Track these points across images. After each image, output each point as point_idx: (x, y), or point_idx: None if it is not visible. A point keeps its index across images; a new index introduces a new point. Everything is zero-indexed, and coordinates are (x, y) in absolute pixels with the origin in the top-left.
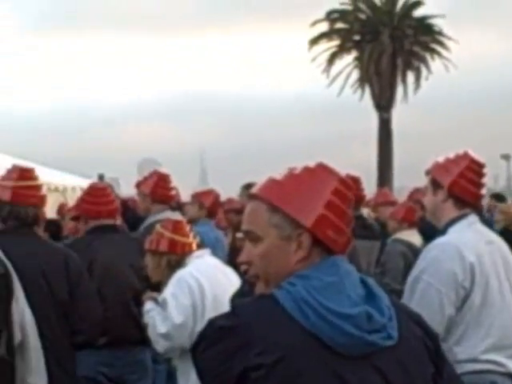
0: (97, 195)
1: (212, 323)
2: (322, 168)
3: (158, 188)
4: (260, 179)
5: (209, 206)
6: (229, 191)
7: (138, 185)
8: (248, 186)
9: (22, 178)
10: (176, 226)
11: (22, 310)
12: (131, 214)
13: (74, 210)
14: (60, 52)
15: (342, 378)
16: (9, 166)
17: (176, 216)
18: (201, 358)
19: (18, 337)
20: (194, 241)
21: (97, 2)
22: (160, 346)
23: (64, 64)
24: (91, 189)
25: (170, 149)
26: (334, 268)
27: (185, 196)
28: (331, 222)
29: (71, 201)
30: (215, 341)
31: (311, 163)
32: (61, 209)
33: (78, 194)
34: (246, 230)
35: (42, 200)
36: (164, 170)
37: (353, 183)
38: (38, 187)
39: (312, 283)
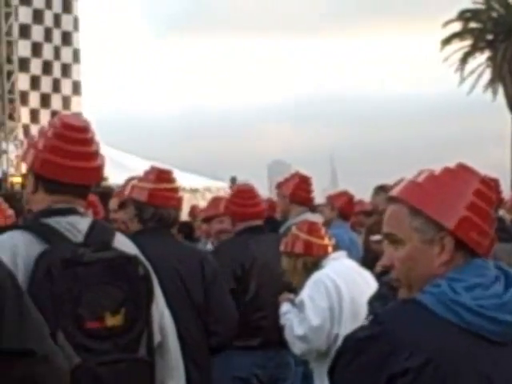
0: (244, 197)
1: (351, 337)
2: (464, 169)
3: (297, 190)
4: (390, 180)
5: (340, 207)
6: (359, 192)
7: (279, 186)
8: (381, 188)
9: (160, 180)
10: (311, 228)
11: (161, 312)
12: (269, 218)
13: (205, 211)
14: (189, 55)
15: (489, 380)
16: (145, 168)
17: (316, 218)
18: (343, 374)
19: (157, 338)
20: (329, 243)
21: (225, 4)
22: (297, 347)
23: (194, 67)
24: (239, 191)
25: (300, 150)
26: (480, 270)
27: (315, 198)
28: (475, 224)
29: (202, 203)
30: (358, 353)
31: (451, 164)
32: (193, 210)
33: (210, 196)
34: (387, 233)
35: (180, 202)
36: (304, 172)
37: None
38: (177, 189)
39: (458, 284)
